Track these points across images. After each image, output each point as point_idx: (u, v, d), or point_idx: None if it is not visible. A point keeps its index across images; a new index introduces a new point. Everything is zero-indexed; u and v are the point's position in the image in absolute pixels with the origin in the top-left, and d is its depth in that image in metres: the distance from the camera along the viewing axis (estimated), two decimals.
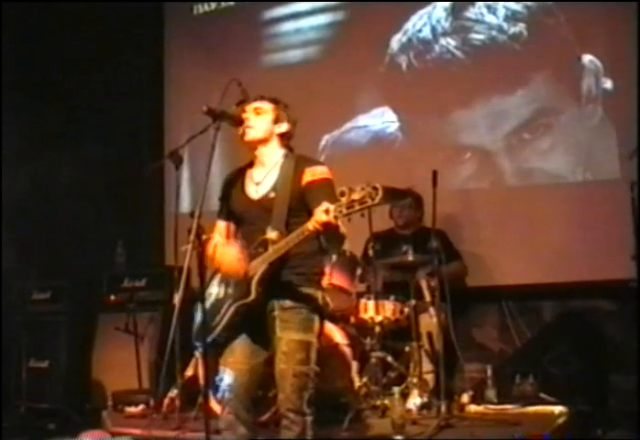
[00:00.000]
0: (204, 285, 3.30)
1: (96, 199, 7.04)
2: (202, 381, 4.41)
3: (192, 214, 3.18)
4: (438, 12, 6.35)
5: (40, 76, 7.40)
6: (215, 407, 3.79)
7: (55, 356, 6.51)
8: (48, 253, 6.93)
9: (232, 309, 3.29)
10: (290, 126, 3.53)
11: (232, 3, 7.29)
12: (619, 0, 5.58)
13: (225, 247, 3.40)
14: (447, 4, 6.28)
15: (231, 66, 6.72)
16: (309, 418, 3.26)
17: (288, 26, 7.04)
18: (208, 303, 3.37)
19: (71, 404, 6.31)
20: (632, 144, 4.99)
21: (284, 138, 3.52)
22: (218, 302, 3.37)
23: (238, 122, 3.41)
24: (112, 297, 6.31)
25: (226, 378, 3.34)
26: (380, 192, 2.81)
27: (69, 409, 6.24)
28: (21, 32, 7.50)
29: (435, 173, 4.91)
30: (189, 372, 5.02)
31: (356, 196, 2.85)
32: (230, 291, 3.34)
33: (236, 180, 3.53)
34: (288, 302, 3.28)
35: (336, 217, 2.92)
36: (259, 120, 3.46)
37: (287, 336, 3.25)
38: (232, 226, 3.56)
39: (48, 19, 7.39)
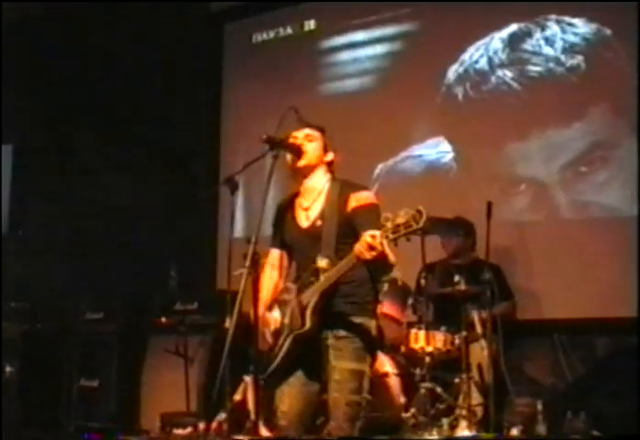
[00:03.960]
0: (256, 311, 3.33)
1: (151, 223, 7.14)
2: (251, 406, 4.43)
3: (248, 240, 3.21)
4: (495, 43, 6.35)
5: (99, 104, 7.58)
6: (264, 432, 3.80)
7: (106, 375, 6.57)
8: (102, 274, 7.04)
9: (289, 339, 3.31)
10: (334, 154, 3.56)
11: (290, 31, 7.38)
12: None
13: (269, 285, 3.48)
14: (505, 34, 6.28)
15: (288, 94, 6.80)
16: None
17: (345, 55, 7.11)
18: (268, 332, 3.40)
19: (120, 424, 6.39)
20: None
21: (331, 166, 3.55)
22: (276, 332, 3.40)
23: (298, 151, 3.44)
24: (163, 319, 6.32)
25: (282, 406, 3.36)
26: (424, 216, 2.80)
27: (118, 428, 6.31)
28: (81, 59, 7.70)
29: (489, 205, 4.89)
30: (237, 397, 5.03)
31: (400, 220, 2.85)
32: (286, 320, 3.36)
33: (287, 208, 3.56)
34: (341, 332, 3.28)
35: (382, 244, 2.93)
36: (312, 147, 3.49)
37: (340, 365, 3.25)
38: (285, 255, 3.58)
39: (107, 46, 7.57)
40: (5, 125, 8.35)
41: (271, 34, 7.49)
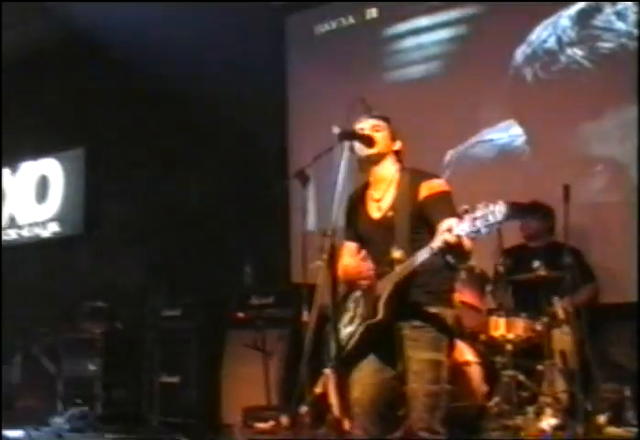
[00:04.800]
0: (335, 303, 3.30)
1: (224, 217, 7.19)
2: (332, 399, 4.41)
3: (324, 233, 3.18)
4: (564, 21, 6.19)
5: (168, 102, 7.65)
6: (345, 425, 3.78)
7: (186, 371, 6.67)
8: (178, 271, 7.12)
9: (361, 328, 3.30)
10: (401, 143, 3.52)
11: (352, 21, 7.33)
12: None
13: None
14: (573, 12, 6.12)
15: (353, 83, 6.75)
16: (442, 437, 3.22)
17: (409, 42, 7.02)
18: (341, 323, 3.37)
19: (202, 419, 6.46)
20: None
21: (399, 155, 3.50)
22: (350, 322, 3.38)
23: (370, 142, 3.40)
24: (240, 314, 6.37)
25: (354, 392, 3.34)
26: (504, 209, 2.75)
27: (200, 423, 6.38)
28: (146, 57, 7.77)
29: (566, 188, 4.78)
30: (318, 389, 5.02)
31: (478, 214, 2.80)
32: (360, 310, 3.34)
33: (358, 199, 3.53)
34: (417, 322, 3.25)
35: (458, 236, 2.88)
36: (380, 136, 3.45)
37: (417, 356, 3.22)
38: (360, 247, 3.56)
39: (170, 43, 7.62)
40: (76, 127, 8.52)
41: (333, 24, 7.45)
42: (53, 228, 8.86)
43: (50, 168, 8.98)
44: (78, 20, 7.85)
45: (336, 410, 4.56)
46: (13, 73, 8.87)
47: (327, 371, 4.67)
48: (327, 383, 4.78)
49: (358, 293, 3.40)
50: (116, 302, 7.38)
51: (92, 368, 7.08)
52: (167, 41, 7.63)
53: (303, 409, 5.00)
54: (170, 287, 7.04)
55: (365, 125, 3.47)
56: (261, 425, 5.68)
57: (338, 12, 7.40)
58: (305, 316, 4.57)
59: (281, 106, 7.49)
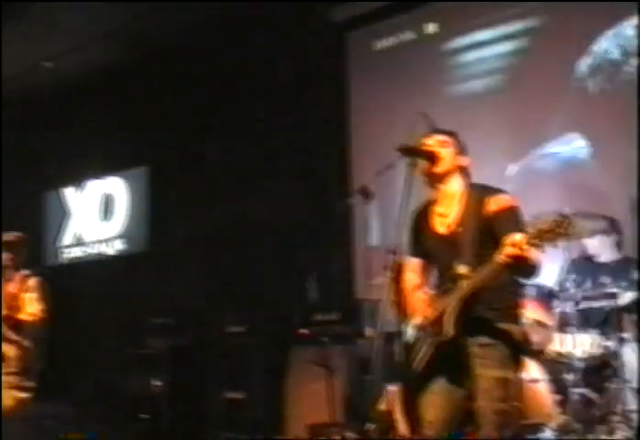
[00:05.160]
0: (400, 320, 3.30)
1: (287, 234, 7.22)
2: (398, 416, 4.39)
3: (389, 251, 3.18)
4: (627, 31, 6.10)
5: (230, 117, 7.74)
6: None
7: (251, 387, 6.70)
8: (242, 287, 7.16)
9: (429, 347, 3.27)
10: (468, 158, 3.50)
11: (412, 36, 7.33)
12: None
13: (415, 294, 3.40)
14: (637, 21, 6.02)
15: (414, 98, 6.75)
16: None
17: (470, 55, 6.98)
18: (406, 339, 3.36)
19: (267, 435, 6.45)
20: None
21: (465, 170, 3.48)
22: (416, 340, 3.36)
23: (433, 157, 3.39)
24: (304, 330, 6.36)
25: (427, 415, 3.31)
26: (572, 222, 2.72)
27: None
28: (209, 76, 7.88)
29: (635, 202, 4.69)
30: (383, 406, 5.00)
31: (544, 226, 2.78)
32: (427, 328, 3.32)
33: (422, 215, 3.51)
34: (484, 339, 3.21)
35: (524, 250, 2.85)
36: (446, 153, 3.43)
37: (486, 373, 3.18)
38: (424, 263, 3.54)
39: (233, 62, 7.73)
40: (140, 146, 8.66)
41: (393, 40, 7.45)
42: (118, 246, 9.01)
43: (115, 186, 9.14)
44: (140, 40, 8.01)
45: (401, 427, 4.54)
46: (77, 94, 9.07)
47: (392, 388, 4.66)
48: (393, 400, 4.76)
49: (425, 311, 3.37)
50: (181, 319, 7.46)
51: (157, 383, 7.15)
52: (227, 59, 7.74)
53: (369, 425, 5.01)
54: (234, 303, 7.09)
55: (430, 140, 3.45)
56: None
57: (397, 27, 7.41)
58: (369, 332, 4.57)
59: (342, 122, 7.51)
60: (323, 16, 7.55)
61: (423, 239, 3.49)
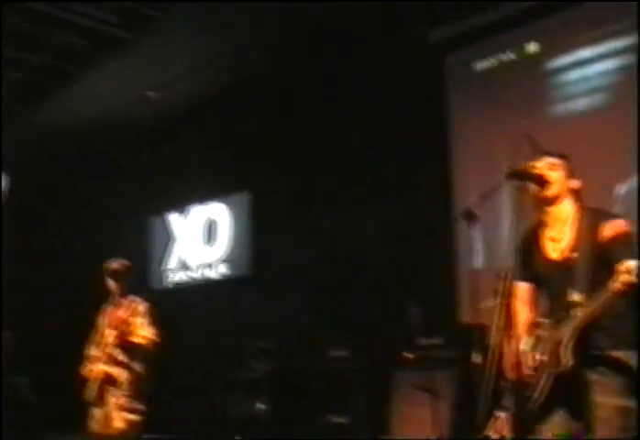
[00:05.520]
0: (510, 345, 3.24)
1: (390, 258, 7.19)
2: None
3: (499, 275, 3.14)
4: None
5: (332, 142, 7.80)
6: None
7: (354, 411, 6.66)
8: (344, 311, 7.17)
9: (548, 377, 3.21)
10: (580, 181, 3.43)
11: (512, 56, 7.24)
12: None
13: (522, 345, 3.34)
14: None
15: (516, 119, 6.65)
16: None
17: (573, 74, 6.85)
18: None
19: None
20: None
21: (576, 193, 3.41)
22: (534, 369, 3.29)
23: (542, 181, 3.33)
24: (408, 355, 6.32)
25: None
26: None
27: None
28: (306, 100, 7.97)
29: None
30: (490, 433, 4.90)
31: None
32: (544, 357, 3.25)
33: (533, 239, 3.46)
34: (602, 367, 3.14)
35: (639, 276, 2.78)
36: (556, 176, 3.37)
37: (606, 402, 3.11)
38: (534, 288, 3.47)
39: (331, 86, 7.80)
40: (242, 172, 8.81)
41: (493, 61, 7.38)
42: (222, 270, 9.14)
43: (218, 211, 9.30)
44: (242, 69, 8.17)
45: None
46: (180, 122, 9.31)
47: (501, 414, 4.56)
48: (502, 427, 4.67)
49: (537, 338, 3.30)
50: (284, 343, 7.50)
51: (261, 406, 7.21)
52: (328, 85, 7.82)
53: None
54: (337, 327, 7.10)
55: (540, 163, 3.40)
56: None
57: (497, 48, 7.33)
58: (475, 357, 4.49)
59: (443, 144, 7.47)
60: (421, 39, 7.55)
61: (533, 263, 3.43)
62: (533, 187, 3.35)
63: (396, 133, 7.43)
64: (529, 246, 3.46)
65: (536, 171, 3.36)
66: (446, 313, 6.86)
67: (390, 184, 7.42)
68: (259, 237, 8.69)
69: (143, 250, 9.88)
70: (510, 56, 7.27)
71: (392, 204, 7.27)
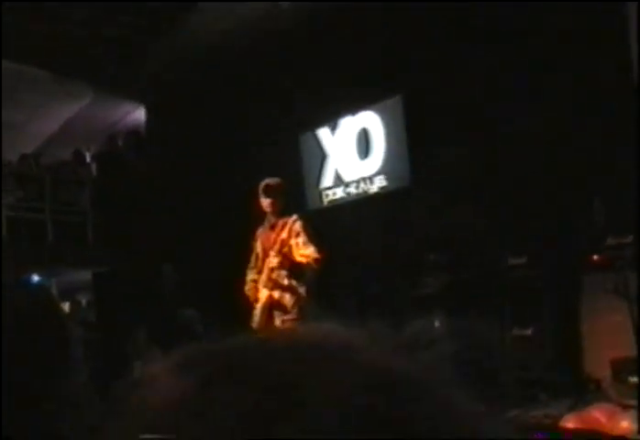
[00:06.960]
0: None
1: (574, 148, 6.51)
2: None
3: None
4: None
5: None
6: None
7: (539, 323, 6.28)
8: (521, 215, 6.65)
9: None
10: None
11: None
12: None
13: None
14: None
15: None
16: None
17: None
18: None
19: (563, 374, 6.06)
20: None
21: None
22: None
23: None
24: (595, 257, 5.81)
25: None
26: None
27: (559, 378, 6.00)
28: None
29: None
30: None
31: None
32: None
33: None
34: None
35: None
36: None
37: None
38: None
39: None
40: (390, 75, 8.28)
41: None
42: (380, 183, 8.72)
43: (370, 120, 8.84)
44: None
45: None
46: (316, 30, 8.84)
47: None
48: None
49: None
50: (456, 254, 7.09)
51: (436, 324, 6.86)
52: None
53: None
54: (513, 233, 6.62)
55: None
56: (635, 380, 5.11)
57: None
58: None
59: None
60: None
61: None
62: None
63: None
64: None
65: None
66: (635, 208, 6.18)
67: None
68: (416, 145, 8.15)
69: (296, 169, 9.55)
70: None
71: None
